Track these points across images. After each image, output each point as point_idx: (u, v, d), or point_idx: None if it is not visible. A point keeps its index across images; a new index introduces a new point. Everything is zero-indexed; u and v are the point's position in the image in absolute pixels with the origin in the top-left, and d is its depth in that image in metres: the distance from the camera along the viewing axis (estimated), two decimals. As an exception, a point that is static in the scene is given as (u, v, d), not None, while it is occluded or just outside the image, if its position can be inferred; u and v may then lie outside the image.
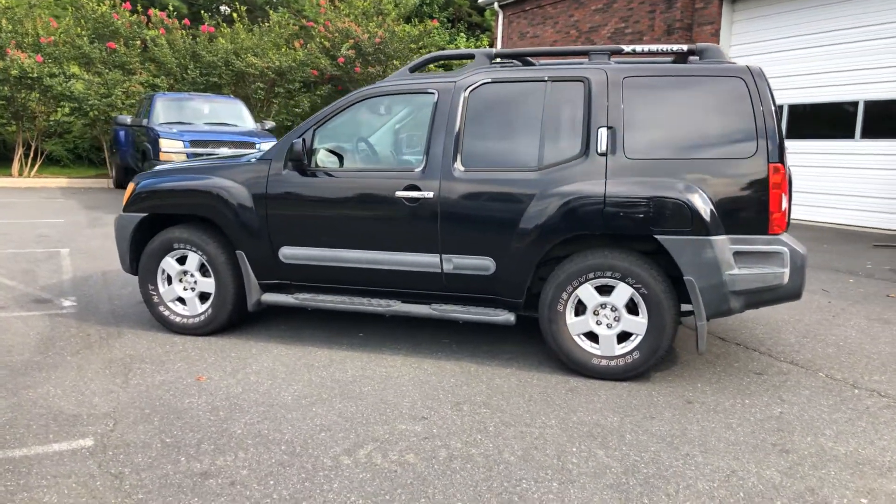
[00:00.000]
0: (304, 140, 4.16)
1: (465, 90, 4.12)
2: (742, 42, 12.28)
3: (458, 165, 4.04)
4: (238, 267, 4.52)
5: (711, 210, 3.65)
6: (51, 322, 4.89)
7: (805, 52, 11.23)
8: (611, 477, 2.84)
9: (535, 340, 4.62)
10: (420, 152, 4.19)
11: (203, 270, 4.60)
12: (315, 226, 4.30)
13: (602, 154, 3.81)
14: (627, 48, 4.05)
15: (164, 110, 11.99)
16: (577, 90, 3.95)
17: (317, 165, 4.32)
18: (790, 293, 3.71)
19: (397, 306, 4.24)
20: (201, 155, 10.65)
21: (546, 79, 4.01)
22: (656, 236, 3.71)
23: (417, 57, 19.04)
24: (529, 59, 4.40)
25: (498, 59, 4.36)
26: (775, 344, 4.66)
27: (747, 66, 3.76)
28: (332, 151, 4.39)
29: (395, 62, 17.29)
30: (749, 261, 3.67)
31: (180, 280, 4.65)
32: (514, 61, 4.42)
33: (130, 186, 4.76)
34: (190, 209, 4.51)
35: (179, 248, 4.57)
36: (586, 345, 3.94)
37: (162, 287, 4.67)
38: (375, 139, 4.45)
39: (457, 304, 4.21)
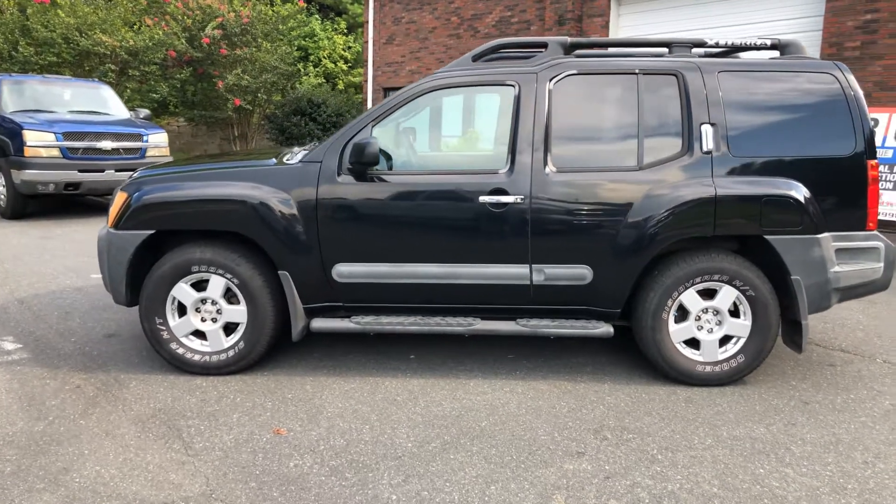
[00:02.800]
0: (369, 141, 3.54)
1: (549, 82, 3.74)
2: (630, 35, 12.83)
3: (550, 166, 3.67)
4: (276, 291, 3.79)
5: (817, 208, 3.62)
6: (9, 374, 3.81)
7: None
8: (832, 499, 2.69)
9: (591, 348, 4.38)
10: (503, 152, 3.75)
11: (229, 297, 3.81)
12: (380, 238, 3.70)
13: (707, 152, 3.64)
14: (710, 41, 3.90)
15: (12, 96, 10.01)
16: (671, 84, 3.73)
17: (378, 168, 3.72)
18: (882, 286, 3.80)
19: (479, 325, 3.79)
20: (78, 150, 9.10)
21: (637, 71, 3.75)
22: (766, 237, 3.62)
23: (290, 38, 17.91)
24: (607, 49, 4.10)
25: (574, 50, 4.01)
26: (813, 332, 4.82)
27: (835, 63, 3.77)
28: (391, 152, 3.80)
29: (266, 43, 16.08)
30: (849, 257, 3.71)
31: (197, 310, 3.81)
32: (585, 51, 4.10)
33: (121, 197, 3.80)
34: (218, 223, 3.69)
35: (198, 272, 3.73)
36: (688, 352, 3.77)
37: (172, 320, 3.80)
38: (447, 137, 3.92)
39: (544, 317, 3.85)
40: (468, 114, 3.94)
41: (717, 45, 3.92)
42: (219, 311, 3.81)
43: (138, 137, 9.58)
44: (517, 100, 3.73)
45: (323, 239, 3.71)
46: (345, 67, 24.16)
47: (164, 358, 3.83)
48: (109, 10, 14.85)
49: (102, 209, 10.58)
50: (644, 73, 3.75)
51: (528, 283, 3.72)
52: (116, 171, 9.41)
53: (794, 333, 3.79)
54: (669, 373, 3.77)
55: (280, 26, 16.59)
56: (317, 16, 24.17)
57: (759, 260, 3.79)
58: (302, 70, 17.74)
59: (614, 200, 3.64)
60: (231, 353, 3.80)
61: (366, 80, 18.29)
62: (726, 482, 2.81)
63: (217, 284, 3.75)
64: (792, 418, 3.41)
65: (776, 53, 4.00)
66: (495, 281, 3.73)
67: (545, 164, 3.66)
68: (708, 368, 3.75)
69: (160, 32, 14.80)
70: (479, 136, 3.96)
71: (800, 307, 3.66)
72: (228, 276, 3.72)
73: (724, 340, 3.78)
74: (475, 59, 3.92)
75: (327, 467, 2.88)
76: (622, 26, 12.91)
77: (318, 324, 3.81)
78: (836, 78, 3.72)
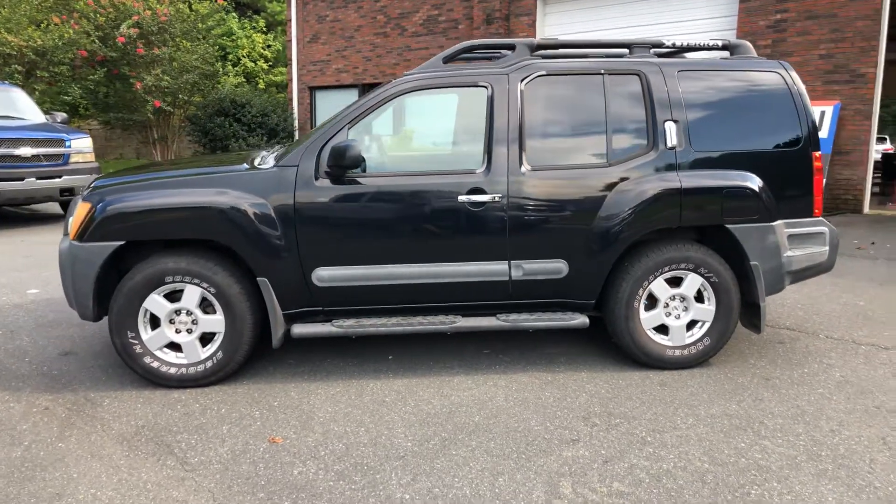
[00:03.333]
0: (350, 144, 3.53)
1: (521, 83, 3.84)
2: (555, 34, 13.18)
3: (525, 164, 3.77)
4: (253, 298, 3.72)
5: (771, 198, 3.88)
6: (-33, 399, 3.58)
7: None
8: (811, 465, 2.91)
9: (562, 338, 4.53)
10: (478, 152, 3.82)
11: (204, 306, 3.71)
12: (360, 241, 3.70)
13: (671, 148, 3.83)
14: (668, 42, 4.10)
15: None
16: (635, 83, 3.91)
17: (356, 171, 3.71)
18: (827, 268, 4.11)
19: (461, 322, 3.85)
20: (-6, 157, 8.54)
21: (602, 72, 3.90)
22: (728, 226, 3.85)
23: (210, 37, 17.33)
24: (566, 49, 4.22)
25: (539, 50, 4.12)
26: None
27: (780, 62, 4.04)
28: (367, 154, 3.80)
29: (184, 42, 15.53)
30: (799, 242, 3.99)
31: (171, 321, 3.70)
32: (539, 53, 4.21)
33: (84, 207, 3.63)
34: (194, 232, 3.58)
35: (172, 282, 3.62)
36: (658, 338, 3.97)
37: (145, 333, 3.67)
38: (422, 138, 3.94)
39: (522, 312, 3.95)
40: (441, 115, 3.98)
41: (673, 46, 4.12)
42: (194, 322, 3.71)
43: (60, 143, 9.09)
44: (490, 100, 3.81)
45: (302, 244, 3.67)
46: (265, 66, 23.64)
47: (138, 373, 3.70)
48: (14, 7, 13.96)
49: (24, 220, 9.98)
50: (609, 73, 3.91)
51: (507, 278, 3.82)
52: (38, 178, 8.90)
53: (751, 315, 4.05)
54: (642, 358, 3.95)
55: (199, 25, 16.05)
56: (234, 14, 23.51)
57: (718, 248, 4.03)
58: (221, 70, 17.22)
59: (586, 196, 3.78)
60: (209, 363, 3.71)
61: (290, 79, 17.96)
62: (714, 457, 2.99)
63: (192, 294, 3.65)
64: (758, 394, 3.65)
65: (727, 53, 4.25)
66: (475, 278, 3.80)
67: (520, 162, 3.76)
68: (678, 352, 3.96)
69: (70, 31, 14.03)
70: (456, 137, 4.01)
71: (758, 290, 3.91)
72: (205, 285, 3.62)
73: (691, 325, 4.00)
74: (446, 60, 3.98)
75: (333, 472, 2.88)
76: (548, 25, 13.25)
77: (300, 329, 3.77)
78: (782, 76, 4.00)
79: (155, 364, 3.68)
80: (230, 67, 22.25)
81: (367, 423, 3.34)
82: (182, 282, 3.62)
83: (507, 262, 3.79)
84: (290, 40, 17.76)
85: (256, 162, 3.88)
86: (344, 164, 3.54)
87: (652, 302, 3.96)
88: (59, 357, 4.22)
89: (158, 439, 3.15)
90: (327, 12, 16.91)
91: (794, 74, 4.02)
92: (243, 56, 23.05)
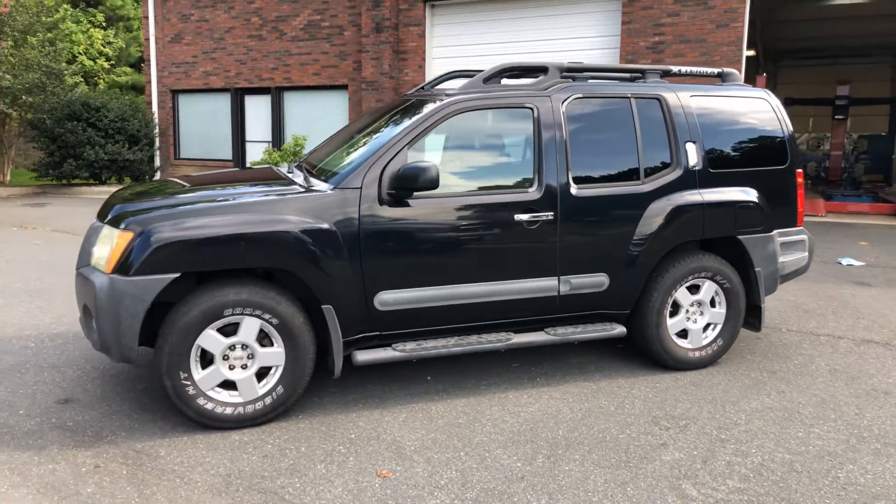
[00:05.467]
0: (426, 166, 3.45)
1: (561, 104, 3.99)
2: (442, 45, 13.46)
3: (571, 182, 3.93)
4: (313, 328, 3.54)
5: (769, 211, 4.37)
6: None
7: (486, 58, 12.87)
8: (865, 446, 3.36)
9: (576, 348, 4.76)
10: (529, 171, 3.91)
11: (260, 339, 3.46)
12: (424, 262, 3.66)
13: (692, 166, 4.19)
14: (675, 69, 4.46)
15: None
16: (656, 107, 4.21)
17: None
18: (805, 270, 4.70)
19: (516, 338, 3.92)
20: None
21: (629, 95, 4.16)
22: (739, 237, 4.29)
23: (58, 32, 15.56)
24: (590, 73, 4.41)
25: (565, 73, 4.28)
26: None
27: (765, 90, 4.56)
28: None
29: (28, 37, 13.84)
30: (788, 249, 4.53)
31: (224, 357, 3.41)
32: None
33: (124, 237, 3.23)
34: (260, 260, 3.33)
35: (231, 315, 3.34)
36: (680, 342, 4.31)
37: (197, 373, 3.35)
38: (473, 158, 3.93)
39: (567, 325, 4.11)
40: (492, 135, 4.01)
41: (679, 73, 4.49)
42: (250, 357, 3.44)
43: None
44: (537, 121, 3.92)
45: (367, 268, 3.55)
46: (106, 65, 21.64)
47: (189, 417, 3.36)
48: None
49: None
50: (635, 97, 4.18)
51: (556, 293, 3.95)
52: None
53: (750, 316, 4.52)
54: (669, 362, 4.27)
55: (44, 18, 14.37)
56: (67, 5, 21.24)
57: (723, 257, 4.46)
58: (67, 69, 15.51)
59: (626, 212, 4.03)
60: (268, 400, 3.46)
61: (149, 81, 16.66)
62: (788, 447, 3.35)
63: (251, 327, 3.39)
64: (777, 387, 4.11)
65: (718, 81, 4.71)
66: (528, 295, 3.90)
67: (568, 181, 3.91)
68: (697, 354, 4.33)
69: None
70: (503, 156, 4.06)
71: (760, 293, 4.39)
72: (266, 316, 3.38)
73: (705, 328, 4.38)
74: (485, 81, 4.03)
75: (469, 500, 2.85)
76: (436, 35, 13.50)
77: (363, 357, 3.63)
78: (769, 102, 4.52)
79: (209, 406, 3.37)
80: (65, 65, 20.11)
81: (460, 447, 3.31)
82: (242, 314, 3.35)
83: (556, 277, 3.93)
84: (148, 39, 16.46)
85: (299, 181, 3.69)
86: (417, 187, 3.48)
87: (675, 309, 4.29)
88: (60, 405, 3.70)
89: (258, 487, 2.91)
90: (192, 11, 15.88)
91: (777, 101, 4.56)
92: (80, 53, 20.90)
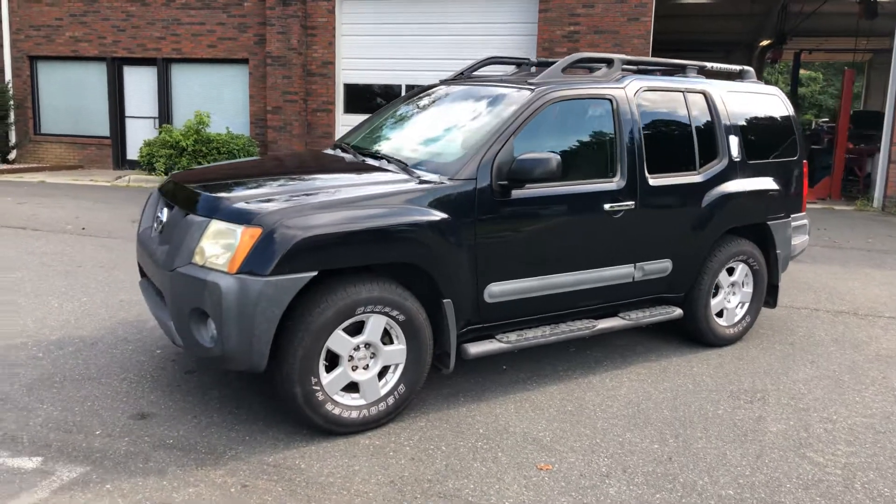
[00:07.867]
0: (548, 157, 3.42)
1: (634, 96, 4.12)
2: (350, 22, 13.07)
3: (647, 172, 4.08)
4: (431, 323, 3.42)
5: (786, 198, 4.82)
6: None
7: (401, 38, 12.78)
8: (915, 405, 3.87)
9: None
10: (611, 160, 3.99)
11: (384, 337, 3.29)
12: (527, 253, 3.65)
13: (735, 157, 4.50)
14: (708, 65, 4.74)
15: None
16: (702, 101, 4.47)
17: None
18: (803, 250, 5.24)
19: (600, 324, 4.03)
20: None
21: (683, 89, 4.38)
22: (768, 222, 4.69)
23: None
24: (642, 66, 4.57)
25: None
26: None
27: (776, 87, 4.99)
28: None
29: None
30: (797, 232, 5.02)
31: (350, 359, 3.20)
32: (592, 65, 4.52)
33: (254, 232, 2.91)
34: (395, 256, 3.15)
35: (361, 314, 3.14)
36: (719, 320, 4.65)
37: (324, 377, 3.12)
38: (562, 147, 3.91)
39: (637, 309, 4.28)
40: (576, 125, 4.02)
41: (711, 70, 4.78)
42: (373, 356, 3.26)
43: None
44: (616, 113, 4.02)
45: (480, 260, 3.48)
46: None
47: (317, 424, 3.13)
48: None
49: None
50: (686, 91, 4.41)
51: (632, 280, 4.11)
52: None
53: (767, 295, 4.96)
54: (712, 339, 4.59)
55: None
56: None
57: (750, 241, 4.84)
58: None
59: (688, 200, 4.26)
60: (391, 399, 3.31)
61: (1, 46, 14.58)
62: (857, 412, 3.76)
63: (377, 325, 3.21)
64: (806, 358, 4.57)
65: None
66: (610, 282, 4.02)
67: (644, 170, 4.06)
68: (731, 330, 4.70)
69: None
70: (588, 147, 4.09)
71: (778, 273, 4.85)
72: (394, 313, 3.21)
73: (736, 307, 4.76)
74: (564, 70, 4.05)
75: (636, 484, 2.93)
76: (345, 12, 13.07)
77: (475, 349, 3.56)
78: (780, 98, 4.96)
79: (336, 410, 3.16)
80: None
81: (590, 434, 3.38)
82: (371, 312, 3.16)
83: (632, 264, 4.08)
84: (-1, -5, 14.38)
85: (394, 169, 3.55)
86: (534, 178, 3.44)
87: (716, 290, 4.61)
88: (138, 421, 3.28)
89: (435, 491, 2.80)
90: (49, -20, 14.08)
91: (786, 98, 5.01)
92: None
